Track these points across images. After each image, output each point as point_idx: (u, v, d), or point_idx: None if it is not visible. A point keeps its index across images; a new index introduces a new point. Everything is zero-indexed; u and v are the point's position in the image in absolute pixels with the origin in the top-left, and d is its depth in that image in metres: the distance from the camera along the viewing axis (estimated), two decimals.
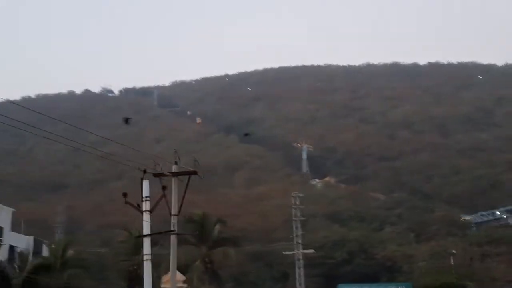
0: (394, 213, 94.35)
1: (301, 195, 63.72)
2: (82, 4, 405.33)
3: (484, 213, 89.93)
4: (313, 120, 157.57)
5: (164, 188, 19.45)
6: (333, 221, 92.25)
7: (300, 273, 60.19)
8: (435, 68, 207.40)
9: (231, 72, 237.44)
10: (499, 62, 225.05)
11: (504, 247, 59.34)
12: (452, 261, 55.05)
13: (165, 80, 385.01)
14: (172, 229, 19.59)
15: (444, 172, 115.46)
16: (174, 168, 19.38)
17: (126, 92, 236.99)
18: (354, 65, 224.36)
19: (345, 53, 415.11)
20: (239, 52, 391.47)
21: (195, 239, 42.50)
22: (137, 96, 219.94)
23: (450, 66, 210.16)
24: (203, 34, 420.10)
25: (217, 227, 42.76)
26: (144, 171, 18.45)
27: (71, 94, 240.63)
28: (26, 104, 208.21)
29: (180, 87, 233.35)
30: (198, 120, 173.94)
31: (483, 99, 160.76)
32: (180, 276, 37.49)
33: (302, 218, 61.97)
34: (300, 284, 59.56)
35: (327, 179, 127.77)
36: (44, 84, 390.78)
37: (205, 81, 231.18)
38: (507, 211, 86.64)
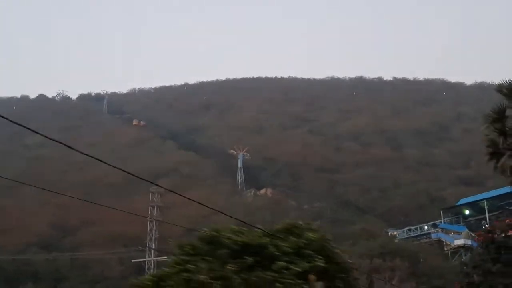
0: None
1: (159, 190, 53.12)
2: (49, 8, 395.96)
3: (412, 227, 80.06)
4: (260, 130, 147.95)
5: None
6: None
7: None
8: (399, 84, 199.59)
9: (191, 81, 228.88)
10: (469, 81, 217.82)
11: (400, 260, 49.29)
12: None
13: (124, 87, 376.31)
14: None
15: (384, 186, 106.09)
16: None
17: (81, 98, 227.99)
18: (319, 78, 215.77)
19: (313, 68, 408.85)
20: (205, 62, 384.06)
21: None
22: (88, 102, 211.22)
23: (415, 82, 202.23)
24: (169, 42, 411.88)
25: None
26: None
27: (24, 98, 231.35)
28: None
29: (136, 94, 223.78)
30: (135, 122, 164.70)
31: (441, 115, 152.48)
32: None
33: (159, 219, 51.33)
34: None
35: (263, 190, 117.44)
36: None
37: (163, 89, 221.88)
38: (433, 225, 76.90)
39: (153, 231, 49.51)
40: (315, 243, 16.78)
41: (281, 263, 15.55)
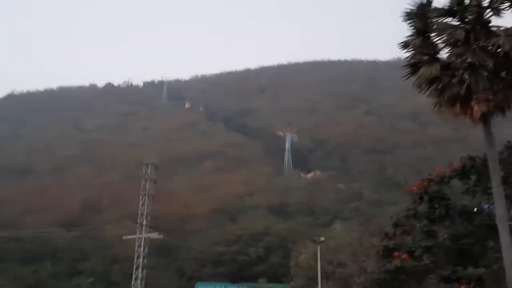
0: (350, 206, 78.24)
1: (153, 161, 49.29)
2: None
3: None
4: (313, 111, 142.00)
5: None
6: (277, 213, 77.26)
7: (140, 264, 45.34)
8: None
9: (253, 66, 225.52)
10: None
11: None
12: (318, 254, 39.47)
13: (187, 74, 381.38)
14: None
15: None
16: None
17: (145, 85, 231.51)
18: (384, 60, 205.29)
19: (379, 49, 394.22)
20: (267, 47, 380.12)
21: None
22: (151, 89, 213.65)
23: None
24: (233, 29, 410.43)
25: None
26: None
27: (92, 87, 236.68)
28: (45, 95, 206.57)
29: (197, 81, 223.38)
30: (187, 105, 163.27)
31: None
32: None
33: (152, 192, 47.45)
34: (139, 280, 44.61)
35: (312, 173, 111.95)
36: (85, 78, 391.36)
37: (224, 75, 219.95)
38: None
39: (145, 206, 45.55)
40: None
41: None
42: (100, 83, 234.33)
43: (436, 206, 23.32)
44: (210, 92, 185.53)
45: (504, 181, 22.52)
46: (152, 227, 67.20)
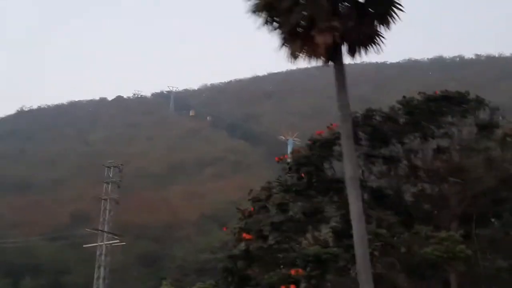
0: None
1: (119, 165, 46.40)
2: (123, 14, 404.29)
3: None
4: (319, 114, 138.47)
5: None
6: None
7: (100, 274, 42.23)
8: (483, 61, 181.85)
9: (261, 73, 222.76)
10: None
11: None
12: None
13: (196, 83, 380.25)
14: None
15: None
16: None
17: (154, 96, 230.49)
18: (395, 62, 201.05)
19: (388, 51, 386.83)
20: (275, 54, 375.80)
21: None
22: (160, 99, 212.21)
23: (501, 58, 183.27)
24: (242, 36, 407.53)
25: None
26: None
27: (102, 100, 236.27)
28: (55, 110, 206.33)
29: (206, 89, 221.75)
30: (192, 113, 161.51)
31: None
32: None
33: (114, 197, 44.54)
34: None
35: None
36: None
37: (232, 83, 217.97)
38: None
39: (107, 212, 42.61)
40: None
41: None
42: (110, 97, 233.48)
43: (302, 175, 20.27)
44: (216, 99, 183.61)
45: (385, 141, 19.59)
46: (139, 235, 64.53)
